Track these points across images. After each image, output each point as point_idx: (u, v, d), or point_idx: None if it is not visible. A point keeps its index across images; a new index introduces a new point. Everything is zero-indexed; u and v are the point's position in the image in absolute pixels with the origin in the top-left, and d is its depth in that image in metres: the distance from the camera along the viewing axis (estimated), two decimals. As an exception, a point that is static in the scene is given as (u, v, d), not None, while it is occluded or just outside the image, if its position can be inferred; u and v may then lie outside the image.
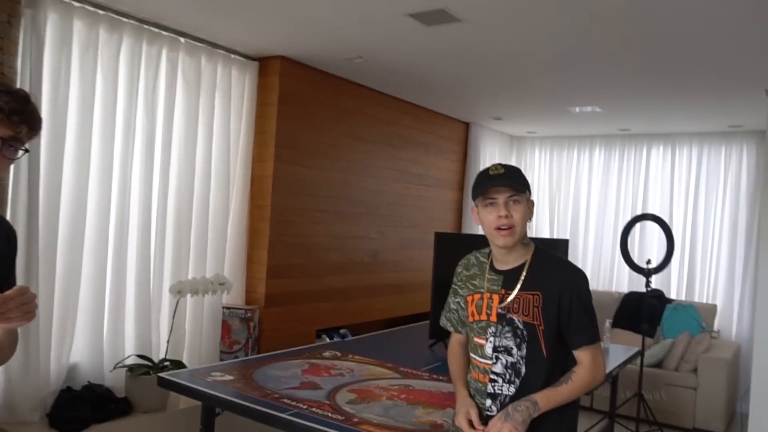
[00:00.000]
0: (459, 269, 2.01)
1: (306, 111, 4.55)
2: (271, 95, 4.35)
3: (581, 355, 1.78)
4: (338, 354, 3.47)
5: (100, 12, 3.45)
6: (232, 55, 4.24)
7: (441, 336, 3.71)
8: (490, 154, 6.86)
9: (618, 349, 4.15)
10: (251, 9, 3.42)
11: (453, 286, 2.01)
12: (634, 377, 4.92)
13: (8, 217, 3.14)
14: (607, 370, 3.53)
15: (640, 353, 4.50)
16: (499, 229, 1.78)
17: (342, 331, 4.97)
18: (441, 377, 3.06)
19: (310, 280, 4.65)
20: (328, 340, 4.70)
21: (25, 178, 3.15)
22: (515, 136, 7.38)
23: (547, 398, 1.74)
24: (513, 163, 5.74)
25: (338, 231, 4.90)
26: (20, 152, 1.52)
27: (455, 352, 2.04)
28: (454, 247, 3.46)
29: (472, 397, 1.87)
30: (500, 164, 1.84)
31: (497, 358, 1.80)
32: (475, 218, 1.88)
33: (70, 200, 3.37)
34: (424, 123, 5.90)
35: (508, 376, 1.79)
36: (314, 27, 3.67)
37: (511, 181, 1.78)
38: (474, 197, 1.85)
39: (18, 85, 3.13)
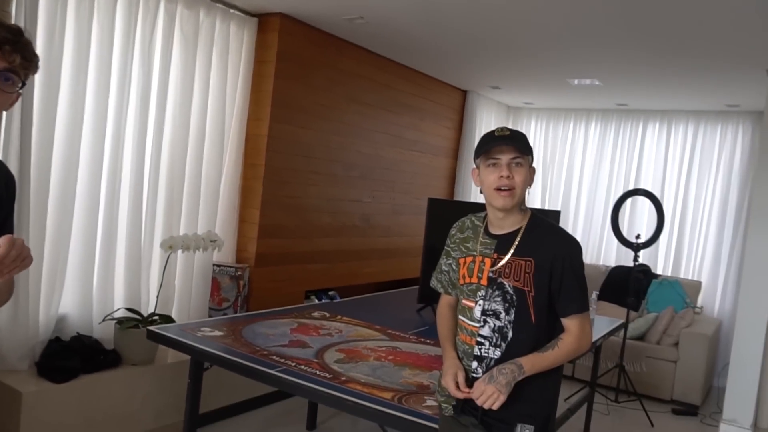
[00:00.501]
0: (453, 231, 2.00)
1: (304, 71, 4.49)
2: (269, 53, 4.28)
3: (569, 323, 1.79)
4: (327, 315, 3.50)
5: (98, -39, 3.37)
6: (231, 10, 4.16)
7: (429, 301, 3.74)
8: (486, 123, 6.82)
9: (603, 320, 4.20)
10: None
11: (446, 247, 2.01)
12: (616, 349, 5.00)
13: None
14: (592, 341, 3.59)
15: (624, 326, 4.56)
16: (499, 189, 1.76)
17: (331, 292, 5.00)
18: (428, 341, 3.09)
19: (301, 241, 4.65)
20: (316, 301, 4.73)
21: (17, 127, 3.10)
22: (512, 107, 7.34)
23: (532, 363, 1.75)
24: (509, 133, 5.71)
25: (331, 194, 4.89)
26: (18, 86, 1.47)
27: (444, 314, 2.05)
28: (446, 213, 3.45)
29: (459, 359, 1.89)
30: (506, 127, 1.83)
31: (485, 321, 1.81)
32: (475, 180, 1.87)
33: (63, 151, 3.34)
34: (421, 89, 5.84)
35: (494, 340, 1.80)
36: (315, -15, 3.60)
37: (515, 143, 1.77)
38: (476, 157, 1.84)
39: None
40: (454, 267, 1.95)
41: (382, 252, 5.56)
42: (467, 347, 1.86)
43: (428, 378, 2.50)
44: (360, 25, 4.33)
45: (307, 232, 4.71)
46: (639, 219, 6.32)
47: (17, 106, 3.07)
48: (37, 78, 3.18)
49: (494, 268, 1.81)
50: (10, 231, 1.66)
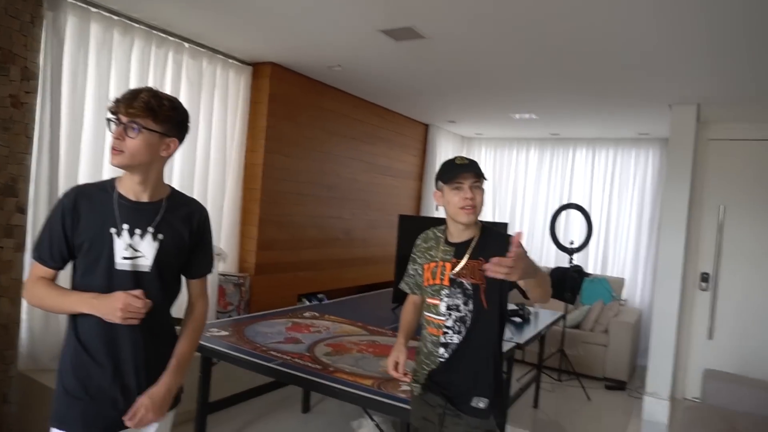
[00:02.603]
0: (418, 242, 2.02)
1: (291, 109, 4.49)
2: (262, 95, 4.28)
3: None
4: (316, 314, 3.47)
5: (115, 17, 3.34)
6: (230, 60, 4.15)
7: (402, 301, 3.72)
8: (445, 151, 6.88)
9: (546, 313, 4.25)
10: (247, 21, 3.35)
11: (412, 255, 2.03)
12: (557, 336, 5.06)
13: (30, 196, 3.04)
14: (537, 330, 3.63)
15: (563, 317, 4.61)
16: (464, 208, 1.79)
17: (319, 295, 4.96)
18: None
19: (292, 253, 4.62)
20: (307, 303, 4.69)
21: (46, 165, 3.05)
22: (466, 137, 7.42)
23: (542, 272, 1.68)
24: (464, 158, 5.77)
25: (316, 212, 4.87)
26: (137, 134, 1.49)
27: (407, 310, 2.07)
28: (414, 227, 3.46)
29: (426, 350, 1.89)
30: (464, 156, 1.87)
31: (449, 314, 1.83)
32: (438, 200, 1.88)
33: (87, 179, 3.26)
34: (390, 123, 5.88)
35: (457, 328, 1.82)
36: (301, 39, 3.61)
37: (475, 169, 1.80)
38: (441, 181, 1.85)
39: (40, 80, 3.02)
40: (419, 272, 1.97)
41: (361, 260, 5.55)
42: (434, 337, 1.87)
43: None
44: (337, 71, 4.35)
45: (298, 244, 4.68)
46: (572, 228, 6.41)
47: (46, 148, 3.03)
48: (63, 119, 3.13)
49: (454, 271, 1.83)
50: (202, 275, 1.73)
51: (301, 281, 4.74)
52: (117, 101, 1.50)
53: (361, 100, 5.34)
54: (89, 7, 3.20)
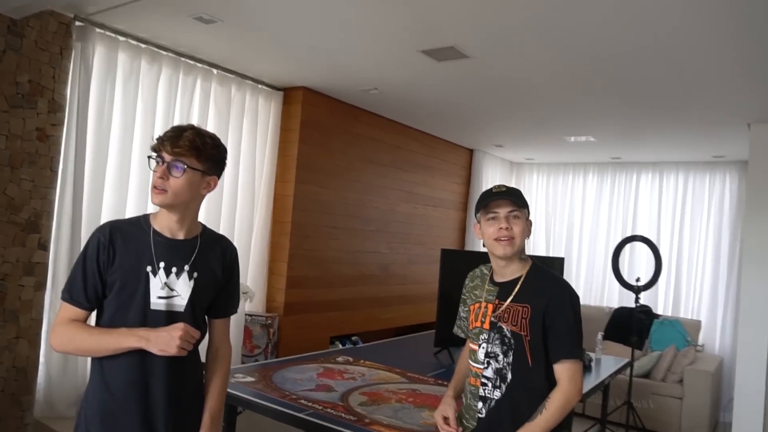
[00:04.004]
0: (466, 281, 2.01)
1: (324, 136, 4.58)
2: (294, 122, 4.39)
3: (559, 370, 1.73)
4: (350, 359, 3.46)
5: (142, 45, 3.52)
6: (259, 86, 4.30)
7: (446, 344, 3.69)
8: (491, 178, 6.86)
9: (609, 360, 4.11)
10: (278, 45, 3.47)
11: (462, 296, 2.02)
12: (623, 386, 4.87)
13: (53, 230, 3.19)
14: (600, 380, 3.51)
15: (630, 364, 4.45)
16: (498, 239, 1.77)
17: (354, 338, 4.95)
18: (446, 382, 3.02)
19: (324, 291, 4.65)
20: (340, 346, 4.69)
21: (69, 200, 3.19)
22: (515, 162, 7.39)
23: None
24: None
25: (351, 246, 4.91)
26: (181, 173, 1.57)
27: (461, 358, 2.04)
28: (458, 262, 3.45)
29: (466, 401, 1.86)
30: (502, 184, 1.86)
31: (488, 363, 1.79)
32: (477, 233, 1.88)
33: (110, 215, 3.41)
34: (430, 149, 5.92)
35: (495, 381, 1.77)
36: (335, 62, 3.71)
37: (511, 197, 1.79)
38: (477, 212, 1.86)
39: (66, 110, 3.20)
40: (466, 313, 1.95)
41: (400, 299, 5.53)
42: (473, 388, 1.84)
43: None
44: (374, 95, 4.44)
45: (330, 282, 4.71)
46: (638, 263, 6.24)
47: (70, 175, 3.18)
48: (88, 149, 3.29)
49: (495, 314, 1.80)
50: (231, 306, 1.79)
51: (333, 322, 4.74)
52: (161, 139, 1.59)
53: (399, 125, 5.41)
54: (117, 36, 3.39)
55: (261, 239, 4.32)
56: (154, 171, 1.57)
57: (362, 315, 5.06)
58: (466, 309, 1.98)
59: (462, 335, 2.05)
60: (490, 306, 1.82)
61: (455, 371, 2.03)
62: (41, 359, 3.18)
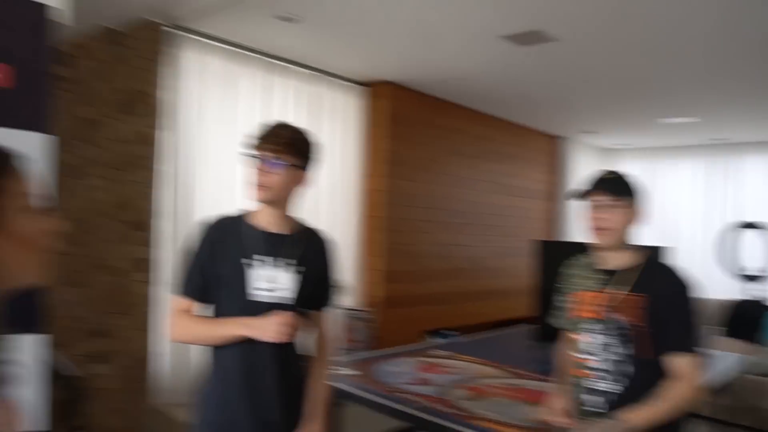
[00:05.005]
0: (564, 268, 1.93)
1: (411, 130, 4.55)
2: (381, 117, 4.39)
3: (678, 363, 1.62)
4: (449, 353, 3.40)
5: (233, 49, 3.65)
6: (347, 83, 4.33)
7: (547, 338, 3.56)
8: (580, 166, 6.58)
9: (725, 356, 3.81)
10: (363, 42, 3.47)
11: (559, 285, 1.94)
12: (748, 385, 4.50)
13: (160, 228, 3.34)
14: (721, 376, 3.25)
15: (751, 361, 4.11)
16: (596, 228, 1.72)
17: (450, 332, 4.90)
18: (551, 378, 2.92)
19: (420, 285, 4.64)
20: (437, 340, 4.64)
21: (172, 199, 3.34)
22: (606, 148, 7.06)
23: (638, 417, 1.58)
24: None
25: (443, 240, 4.86)
26: (279, 169, 1.60)
27: (561, 349, 1.96)
28: (556, 253, 3.32)
29: (581, 394, 1.77)
30: (609, 170, 1.78)
31: (602, 355, 1.70)
32: (582, 220, 1.82)
33: (211, 212, 3.51)
34: (516, 137, 5.76)
35: (615, 374, 1.68)
36: (416, 53, 3.67)
37: (610, 186, 1.72)
38: (582, 198, 1.79)
39: (165, 114, 3.34)
40: (566, 303, 1.88)
41: (493, 293, 5.42)
42: (585, 380, 1.75)
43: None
44: (458, 85, 4.38)
45: (424, 276, 4.68)
46: (747, 251, 5.77)
47: (173, 180, 3.31)
48: (187, 151, 3.42)
49: (608, 304, 1.71)
50: (329, 298, 1.82)
51: (429, 316, 4.72)
52: (259, 138, 1.62)
53: (484, 115, 5.29)
54: (210, 42, 3.51)
55: (355, 234, 4.35)
56: (254, 169, 1.60)
57: (457, 309, 5.00)
58: (562, 298, 1.91)
59: (557, 325, 1.96)
60: (599, 295, 1.73)
61: (557, 362, 1.96)
62: (157, 350, 3.35)
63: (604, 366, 1.70)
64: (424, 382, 2.76)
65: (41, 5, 1.47)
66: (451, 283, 4.94)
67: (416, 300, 4.59)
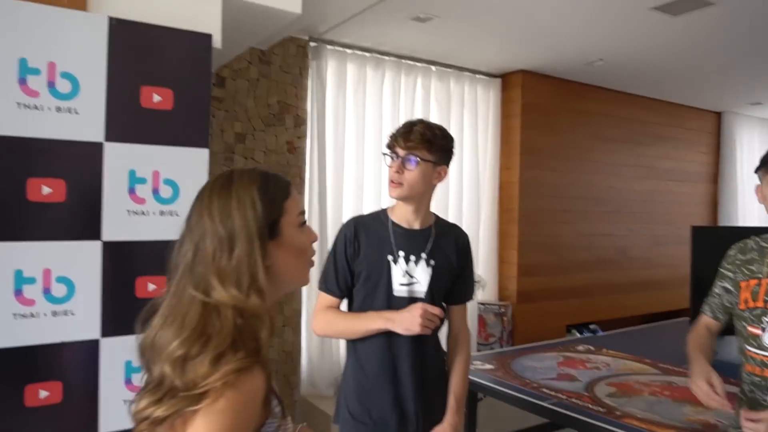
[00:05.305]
0: (732, 252, 1.71)
1: (547, 118, 4.41)
2: (514, 107, 4.31)
3: None
4: (592, 348, 3.27)
5: (367, 54, 3.78)
6: (477, 75, 4.30)
7: (704, 334, 3.27)
8: (748, 143, 5.91)
9: None
10: (494, 31, 3.43)
11: (721, 270, 1.73)
12: None
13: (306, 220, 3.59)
14: None
15: None
16: None
17: (592, 326, 4.69)
18: (689, 363, 2.69)
19: (559, 278, 4.48)
20: (578, 334, 4.47)
21: (316, 202, 3.56)
22: (778, 121, 6.26)
23: None
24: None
25: (585, 230, 4.65)
26: (416, 165, 1.65)
27: (698, 332, 1.75)
28: (713, 240, 3.03)
29: (746, 397, 1.60)
30: None
31: None
32: (758, 196, 1.60)
33: (351, 212, 3.72)
34: (669, 117, 5.32)
35: None
36: (554, 38, 3.54)
37: None
38: (758, 170, 1.58)
39: (308, 123, 3.57)
40: (732, 290, 1.67)
41: (643, 284, 5.07)
42: (757, 379, 1.56)
43: (714, 416, 2.16)
44: (599, 67, 4.14)
45: (564, 268, 4.52)
46: None
47: (315, 174, 3.53)
48: (328, 151, 3.63)
49: None
50: (468, 292, 1.89)
51: (569, 310, 4.55)
52: (394, 136, 1.69)
53: (629, 95, 4.97)
54: (345, 50, 3.69)
55: (489, 228, 4.32)
56: (390, 166, 1.66)
57: (601, 302, 4.76)
58: (726, 285, 1.70)
59: (709, 315, 1.76)
60: None
61: (692, 342, 1.73)
62: (303, 344, 3.60)
63: None
64: (567, 378, 2.68)
65: (197, 34, 1.65)
66: (595, 275, 4.71)
67: (557, 293, 4.45)
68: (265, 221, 0.89)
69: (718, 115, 5.78)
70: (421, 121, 1.70)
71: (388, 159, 1.67)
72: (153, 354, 0.86)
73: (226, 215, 0.88)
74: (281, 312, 3.49)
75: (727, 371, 1.73)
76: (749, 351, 1.60)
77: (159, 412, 0.81)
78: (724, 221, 5.66)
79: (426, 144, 1.64)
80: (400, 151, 1.65)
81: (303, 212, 0.98)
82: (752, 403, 1.57)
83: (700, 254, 3.30)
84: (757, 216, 5.96)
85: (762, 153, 1.57)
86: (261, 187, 0.92)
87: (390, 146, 1.68)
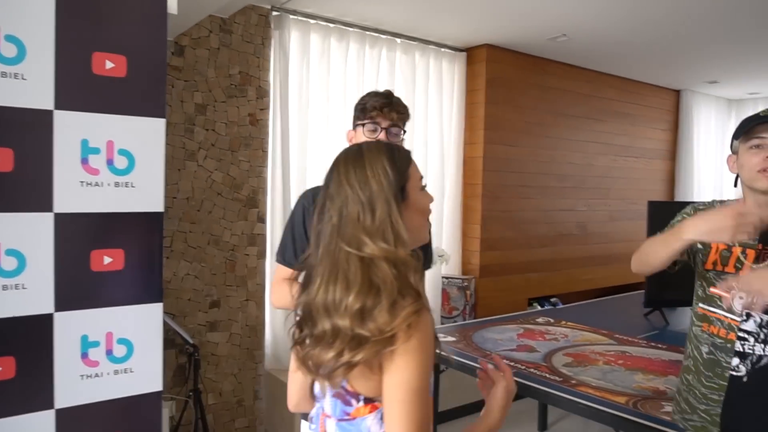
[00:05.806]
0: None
1: (511, 93, 4.44)
2: (479, 81, 4.32)
3: None
4: (551, 320, 3.36)
5: (331, 25, 3.71)
6: (442, 49, 4.29)
7: (657, 305, 3.40)
8: (705, 121, 6.07)
9: None
10: (458, 4, 3.41)
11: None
12: None
13: (268, 204, 3.55)
14: None
15: None
16: (764, 170, 1.48)
17: (552, 299, 4.81)
18: (660, 345, 2.80)
19: (520, 252, 4.56)
20: (539, 307, 4.59)
21: (279, 176, 3.52)
22: (734, 99, 6.44)
23: None
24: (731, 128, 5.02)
25: (545, 205, 4.73)
26: (402, 135, 1.70)
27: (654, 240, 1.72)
28: (668, 216, 3.13)
29: (703, 359, 1.61)
30: None
31: (749, 315, 1.51)
32: (731, 167, 1.61)
33: (315, 182, 3.69)
34: (629, 94, 5.41)
35: (758, 336, 1.50)
36: (518, 12, 3.54)
37: None
38: (735, 139, 1.59)
39: (270, 94, 3.51)
40: (701, 248, 1.65)
41: (601, 258, 5.21)
42: (720, 341, 1.57)
43: (664, 383, 2.26)
44: (562, 42, 4.17)
45: (525, 243, 4.60)
46: None
47: (279, 151, 3.49)
48: (292, 129, 3.58)
49: (761, 263, 1.51)
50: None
51: (531, 283, 4.65)
52: (376, 107, 1.67)
53: (590, 72, 5.03)
54: (308, 20, 3.62)
55: (453, 202, 4.36)
56: (374, 137, 1.65)
57: (561, 276, 4.87)
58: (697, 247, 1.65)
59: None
60: (750, 251, 1.54)
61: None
62: (267, 319, 3.60)
63: (747, 327, 1.51)
64: (526, 349, 2.75)
65: (149, -1, 1.60)
66: (555, 250, 4.82)
67: (518, 267, 4.53)
68: (397, 186, 1.02)
69: (677, 93, 5.92)
70: (391, 92, 1.71)
71: (368, 128, 1.65)
72: (321, 312, 1.01)
73: (364, 183, 1.01)
74: (245, 287, 3.47)
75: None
76: (714, 313, 1.60)
77: (359, 357, 0.95)
78: (680, 197, 5.84)
79: (405, 115, 1.68)
80: (383, 122, 1.64)
81: (422, 177, 1.11)
82: (709, 364, 1.59)
83: (656, 229, 3.35)
84: (711, 193, 6.17)
85: (718, 130, 1.61)
86: (389, 157, 1.05)
87: (371, 117, 1.66)
